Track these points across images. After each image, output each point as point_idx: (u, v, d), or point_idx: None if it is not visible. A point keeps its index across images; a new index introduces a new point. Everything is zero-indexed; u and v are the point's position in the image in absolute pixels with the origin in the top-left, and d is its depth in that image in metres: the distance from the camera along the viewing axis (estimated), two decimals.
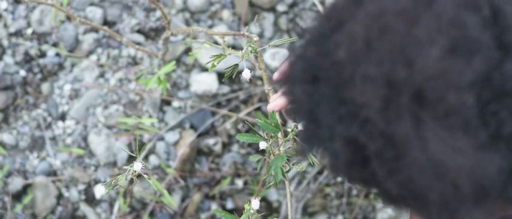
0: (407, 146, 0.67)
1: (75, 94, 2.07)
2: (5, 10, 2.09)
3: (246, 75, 1.17)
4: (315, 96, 0.73)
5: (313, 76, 0.73)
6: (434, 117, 0.66)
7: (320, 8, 2.12)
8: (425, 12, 0.66)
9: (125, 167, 1.15)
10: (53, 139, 2.05)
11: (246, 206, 1.13)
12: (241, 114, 2.03)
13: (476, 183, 0.67)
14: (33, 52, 2.07)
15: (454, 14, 0.65)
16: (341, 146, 0.71)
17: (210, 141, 2.05)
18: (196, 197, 2.04)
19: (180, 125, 2.06)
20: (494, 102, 0.66)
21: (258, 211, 1.14)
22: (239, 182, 2.06)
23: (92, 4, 2.10)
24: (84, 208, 2.02)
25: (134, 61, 2.09)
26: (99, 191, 2.02)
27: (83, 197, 2.03)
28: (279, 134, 1.18)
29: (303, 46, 0.76)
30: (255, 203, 1.13)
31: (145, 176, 1.13)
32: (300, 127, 1.13)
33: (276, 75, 1.13)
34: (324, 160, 0.76)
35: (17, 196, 2.01)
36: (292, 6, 2.14)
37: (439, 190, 0.68)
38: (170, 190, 2.02)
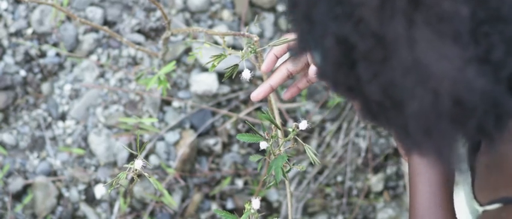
0: (395, 46, 0.68)
1: (75, 94, 2.07)
2: (5, 10, 2.09)
3: (246, 75, 1.17)
4: None
5: None
6: (427, 21, 0.67)
7: None
8: None
9: (126, 165, 1.15)
10: (53, 139, 2.05)
11: (247, 206, 1.13)
12: (241, 114, 2.03)
13: (456, 96, 0.68)
14: (33, 52, 2.07)
15: None
16: (332, 45, 0.72)
17: (210, 141, 2.05)
18: (196, 197, 2.04)
19: (180, 125, 2.06)
20: (488, 24, 0.67)
21: (258, 211, 1.14)
22: (239, 182, 2.06)
23: (92, 4, 2.10)
24: (84, 208, 2.02)
25: (134, 61, 2.09)
26: (99, 191, 2.02)
27: (83, 197, 2.03)
28: (279, 134, 1.18)
29: None
30: (256, 203, 1.13)
31: (146, 174, 1.13)
32: (301, 126, 1.14)
33: (263, 67, 1.15)
34: (314, 62, 0.77)
35: (17, 196, 2.01)
36: None
37: (419, 97, 0.69)
38: (170, 190, 2.02)
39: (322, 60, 0.74)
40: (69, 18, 2.08)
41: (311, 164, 2.08)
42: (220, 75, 2.07)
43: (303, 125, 1.14)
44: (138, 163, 1.12)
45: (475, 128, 0.71)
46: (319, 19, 0.72)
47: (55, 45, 2.08)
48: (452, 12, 0.66)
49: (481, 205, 0.97)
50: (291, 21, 0.77)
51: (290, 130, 1.15)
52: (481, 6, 0.67)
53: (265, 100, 2.06)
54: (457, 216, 1.03)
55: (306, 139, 2.08)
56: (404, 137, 0.74)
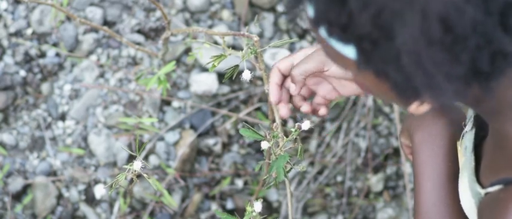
0: None
1: (75, 94, 2.07)
2: (5, 10, 2.09)
3: (247, 76, 1.17)
4: None
5: None
6: None
7: None
8: None
9: (125, 166, 1.15)
10: (53, 139, 2.05)
11: (248, 209, 1.13)
12: (241, 114, 2.03)
13: (445, 20, 0.68)
14: (33, 52, 2.07)
15: None
16: None
17: (210, 141, 2.05)
18: (196, 197, 2.04)
19: (180, 125, 2.06)
20: None
21: (259, 213, 1.14)
22: (239, 182, 2.06)
23: (92, 4, 2.10)
24: (84, 208, 2.02)
25: (134, 61, 2.09)
26: (99, 191, 2.02)
27: (83, 197, 2.03)
28: (280, 134, 1.18)
29: None
30: (258, 206, 1.13)
31: (145, 175, 1.13)
32: (301, 126, 1.14)
33: (272, 97, 1.13)
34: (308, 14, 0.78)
35: (17, 196, 2.01)
36: None
37: (408, 21, 0.69)
38: (170, 190, 2.02)
39: (314, 2, 0.75)
40: (69, 18, 2.08)
41: (311, 164, 2.08)
42: (220, 75, 2.07)
43: (306, 125, 1.14)
44: (137, 164, 1.12)
45: (468, 65, 0.71)
46: None
47: (55, 45, 2.08)
48: None
49: (483, 187, 0.97)
50: None
51: (291, 130, 1.15)
52: None
53: (265, 100, 2.06)
54: (461, 200, 1.03)
55: (305, 139, 2.08)
56: (399, 80, 0.74)
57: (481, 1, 0.69)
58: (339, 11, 0.73)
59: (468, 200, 1.01)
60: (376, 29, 0.71)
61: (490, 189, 0.94)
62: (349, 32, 0.74)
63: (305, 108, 1.15)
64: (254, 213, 1.12)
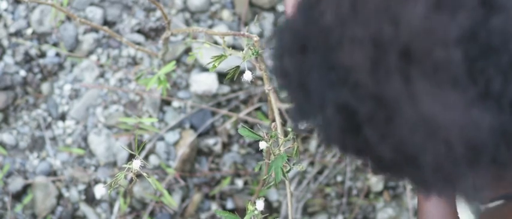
0: (397, 105, 0.67)
1: (75, 94, 2.07)
2: (5, 10, 2.09)
3: (248, 77, 1.17)
4: (305, 66, 0.73)
5: (301, 46, 0.73)
6: (423, 73, 0.66)
7: None
8: None
9: (124, 166, 1.15)
10: (53, 139, 2.05)
11: (250, 207, 1.13)
12: (241, 114, 2.03)
13: (468, 141, 0.67)
14: (33, 52, 2.07)
15: None
16: (333, 114, 0.70)
17: (210, 141, 2.05)
18: (196, 197, 2.04)
19: (180, 125, 2.06)
20: (482, 59, 0.66)
21: (261, 212, 1.14)
22: (239, 182, 2.06)
23: (92, 4, 2.10)
24: (84, 208, 2.02)
25: (134, 61, 2.09)
26: (99, 191, 2.02)
27: (83, 197, 2.03)
28: (279, 134, 1.18)
29: (288, 20, 0.76)
30: (260, 204, 1.12)
31: (145, 174, 1.13)
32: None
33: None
34: (317, 132, 0.76)
35: (17, 196, 2.01)
36: None
37: (432, 150, 0.68)
38: (170, 190, 2.02)
39: (326, 128, 0.73)
40: (69, 18, 2.08)
41: (311, 164, 2.08)
42: (220, 75, 2.07)
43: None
44: (136, 163, 1.12)
45: (489, 163, 0.70)
46: (314, 87, 0.71)
47: (55, 45, 2.08)
48: (445, 59, 0.65)
49: (482, 204, 0.97)
50: (285, 90, 0.75)
51: (290, 130, 1.15)
52: (471, 44, 0.66)
53: (265, 100, 2.06)
54: (460, 216, 1.03)
55: (305, 139, 2.08)
56: (421, 185, 0.73)
57: (494, 105, 0.67)
58: (354, 139, 0.71)
59: (468, 216, 1.01)
60: (397, 155, 0.69)
61: (491, 205, 0.94)
62: (367, 153, 0.72)
63: None
64: (256, 212, 1.12)
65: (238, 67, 1.20)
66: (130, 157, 2.01)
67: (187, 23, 2.10)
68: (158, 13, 2.10)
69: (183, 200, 2.04)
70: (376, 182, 2.09)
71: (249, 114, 2.05)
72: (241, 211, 2.01)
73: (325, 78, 0.70)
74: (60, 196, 2.03)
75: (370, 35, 0.67)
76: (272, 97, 1.30)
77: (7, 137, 2.03)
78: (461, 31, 0.65)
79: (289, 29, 0.75)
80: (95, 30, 2.09)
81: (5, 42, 2.07)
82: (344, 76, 0.68)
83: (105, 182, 2.02)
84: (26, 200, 2.01)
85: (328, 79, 0.70)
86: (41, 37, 2.08)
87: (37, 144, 2.04)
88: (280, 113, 2.05)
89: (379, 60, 0.67)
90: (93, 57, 2.08)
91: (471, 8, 0.65)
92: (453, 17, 0.65)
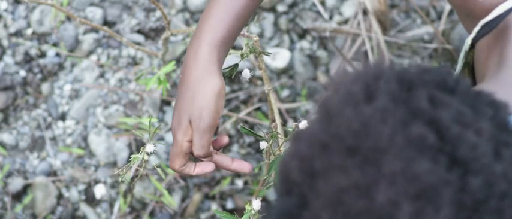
0: None
1: (75, 94, 2.07)
2: (5, 10, 2.09)
3: (246, 75, 1.17)
4: None
5: None
6: None
7: (320, 8, 2.12)
8: (377, 179, 0.66)
9: (134, 155, 1.15)
10: (53, 139, 2.05)
11: (247, 207, 1.13)
12: (241, 114, 2.03)
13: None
14: (33, 52, 2.07)
15: (404, 168, 0.66)
16: None
17: None
18: (196, 197, 2.04)
19: None
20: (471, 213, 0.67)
21: (258, 212, 1.14)
22: (239, 182, 2.06)
23: (92, 4, 2.10)
24: (84, 208, 2.02)
25: (134, 61, 2.09)
26: (99, 191, 2.02)
27: (83, 197, 2.03)
28: (280, 134, 1.18)
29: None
30: (256, 204, 1.13)
31: (154, 165, 1.13)
32: (301, 126, 1.14)
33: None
34: None
35: (17, 196, 2.01)
36: (292, 6, 2.14)
37: None
38: (170, 190, 2.02)
39: None
40: (69, 18, 2.08)
41: None
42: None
43: (303, 124, 1.14)
44: (150, 147, 1.13)
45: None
46: None
47: (55, 45, 2.08)
48: None
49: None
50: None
51: (290, 130, 1.15)
52: (460, 212, 0.66)
53: (265, 100, 2.06)
54: None
55: None
56: None
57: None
58: None
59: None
60: None
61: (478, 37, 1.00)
62: None
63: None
64: (253, 212, 1.12)
65: (236, 65, 1.20)
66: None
67: (187, 23, 2.10)
68: (158, 13, 2.10)
69: (183, 200, 2.04)
70: None
71: (249, 114, 2.05)
72: (241, 211, 2.01)
73: None
74: (60, 196, 2.03)
75: None
76: (272, 97, 1.30)
77: (7, 137, 2.03)
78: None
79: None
80: (95, 30, 2.09)
81: (5, 42, 2.07)
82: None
83: (105, 182, 2.02)
84: (26, 200, 2.01)
85: None
86: (41, 37, 2.08)
87: (37, 144, 2.04)
88: (280, 113, 2.05)
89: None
90: (93, 57, 2.08)
91: (452, 193, 0.66)
92: (437, 211, 0.65)
